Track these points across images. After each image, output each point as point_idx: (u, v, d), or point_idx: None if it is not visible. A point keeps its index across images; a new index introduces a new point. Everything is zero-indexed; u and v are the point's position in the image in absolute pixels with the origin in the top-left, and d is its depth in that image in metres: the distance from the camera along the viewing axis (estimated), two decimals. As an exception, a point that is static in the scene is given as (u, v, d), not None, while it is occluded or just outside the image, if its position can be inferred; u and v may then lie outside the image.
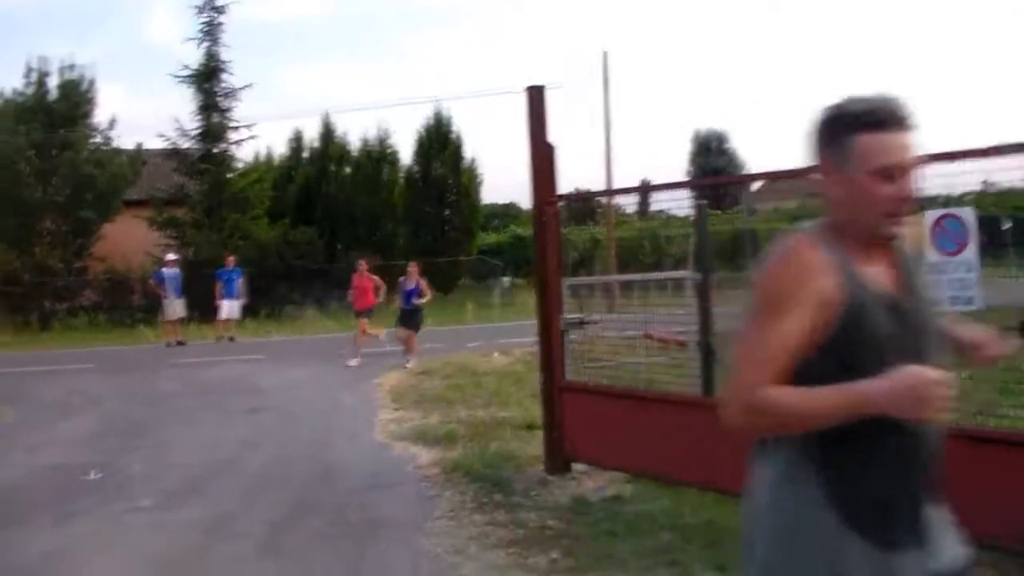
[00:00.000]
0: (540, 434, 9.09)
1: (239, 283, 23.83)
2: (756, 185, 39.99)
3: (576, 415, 7.96)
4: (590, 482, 7.88)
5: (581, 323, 8.24)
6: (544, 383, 8.30)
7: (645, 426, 7.30)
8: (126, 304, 31.12)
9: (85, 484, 8.81)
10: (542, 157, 8.19)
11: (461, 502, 7.47)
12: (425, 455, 9.37)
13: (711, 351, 8.31)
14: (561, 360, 8.11)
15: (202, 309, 26.43)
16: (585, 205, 37.36)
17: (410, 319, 17.32)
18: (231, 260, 24.51)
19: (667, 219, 34.83)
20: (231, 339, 23.62)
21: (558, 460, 8.15)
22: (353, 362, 17.29)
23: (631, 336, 9.17)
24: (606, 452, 7.76)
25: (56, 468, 9.64)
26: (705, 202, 9.13)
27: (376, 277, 18.54)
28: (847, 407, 2.18)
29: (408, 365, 16.53)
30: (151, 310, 28.18)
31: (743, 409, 2.30)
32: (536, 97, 8.24)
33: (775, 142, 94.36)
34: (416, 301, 17.24)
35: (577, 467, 8.16)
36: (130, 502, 8.09)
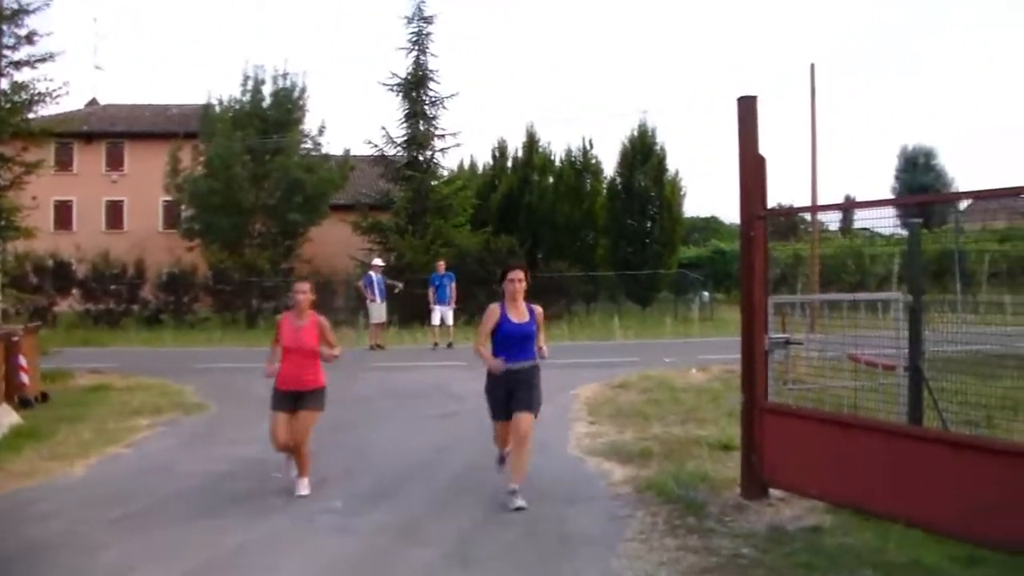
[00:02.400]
0: (737, 455, 8.84)
1: (451, 288, 23.80)
2: (964, 203, 38.51)
3: (777, 439, 7.67)
4: (788, 510, 7.56)
5: (787, 343, 7.94)
6: (745, 404, 8.00)
7: (849, 454, 7.01)
8: (329, 305, 31.89)
9: (278, 482, 9.02)
10: (752, 170, 7.92)
11: (653, 523, 7.29)
12: (619, 472, 9.20)
13: (921, 376, 7.91)
14: (764, 381, 7.83)
15: (402, 314, 26.83)
16: (787, 220, 36.55)
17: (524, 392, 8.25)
18: (442, 265, 24.45)
19: (871, 237, 33.85)
20: (449, 345, 23.39)
21: (755, 485, 7.87)
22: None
23: (834, 358, 8.82)
24: (806, 479, 7.45)
25: (255, 462, 9.92)
26: (918, 221, 8.72)
27: (326, 327, 8.87)
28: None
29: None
30: (353, 312, 28.96)
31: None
32: (747, 108, 7.97)
33: (984, 158, 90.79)
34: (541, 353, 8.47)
35: (774, 493, 7.87)
36: (323, 503, 8.27)
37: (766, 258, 7.99)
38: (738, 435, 9.50)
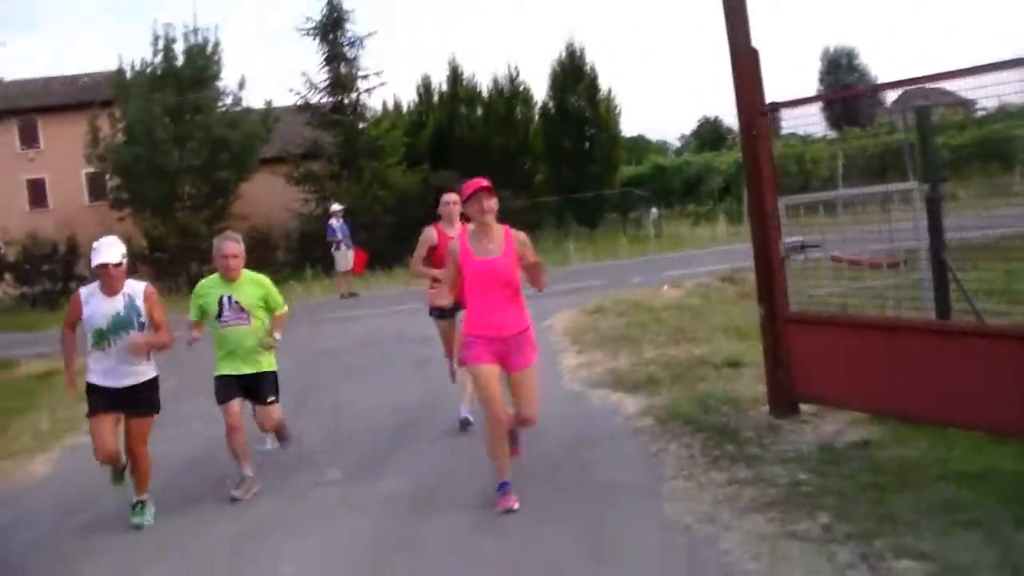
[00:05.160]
0: (747, 372, 8.39)
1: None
2: (892, 97, 39.10)
3: (804, 350, 7.05)
4: (826, 425, 6.95)
5: (802, 247, 7.28)
6: (765, 316, 7.35)
7: (887, 359, 6.37)
8: (271, 260, 30.88)
9: (263, 456, 8.00)
10: (746, 64, 7.22)
11: (691, 457, 6.60)
12: (630, 403, 8.42)
13: (946, 268, 7.30)
14: (784, 289, 7.19)
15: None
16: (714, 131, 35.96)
17: None
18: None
19: (804, 140, 33.49)
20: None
21: (785, 402, 7.27)
22: None
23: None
24: (842, 391, 6.84)
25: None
26: (929, 104, 8.13)
27: None
28: None
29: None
30: (296, 266, 28.08)
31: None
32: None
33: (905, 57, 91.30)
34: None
35: (805, 409, 7.25)
36: (315, 475, 7.47)
37: (772, 156, 7.31)
38: (743, 351, 9.03)
